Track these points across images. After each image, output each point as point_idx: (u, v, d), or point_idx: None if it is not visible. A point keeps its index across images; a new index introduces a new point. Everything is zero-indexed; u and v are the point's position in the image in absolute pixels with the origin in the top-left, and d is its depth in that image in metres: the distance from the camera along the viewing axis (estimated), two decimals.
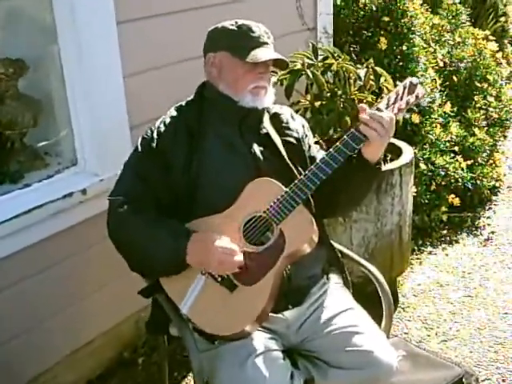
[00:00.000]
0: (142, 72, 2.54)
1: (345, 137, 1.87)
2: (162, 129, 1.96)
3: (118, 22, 2.39)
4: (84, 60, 2.34)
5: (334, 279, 2.10)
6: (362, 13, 3.81)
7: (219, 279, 1.82)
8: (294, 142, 2.07)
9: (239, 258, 1.79)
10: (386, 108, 1.89)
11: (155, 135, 1.95)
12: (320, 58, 2.94)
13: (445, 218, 3.90)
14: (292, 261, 1.87)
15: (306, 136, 2.14)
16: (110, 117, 2.47)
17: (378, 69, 2.95)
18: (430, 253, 3.68)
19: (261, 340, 1.85)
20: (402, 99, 1.92)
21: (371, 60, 3.01)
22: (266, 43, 1.96)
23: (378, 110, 1.87)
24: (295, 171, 1.98)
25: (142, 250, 1.85)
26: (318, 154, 2.15)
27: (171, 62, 2.66)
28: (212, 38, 2.00)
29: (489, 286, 3.35)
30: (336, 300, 2.01)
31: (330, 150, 1.87)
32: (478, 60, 4.57)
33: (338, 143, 1.87)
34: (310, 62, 2.89)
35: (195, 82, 2.69)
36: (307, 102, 2.95)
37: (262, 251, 1.84)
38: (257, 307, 1.80)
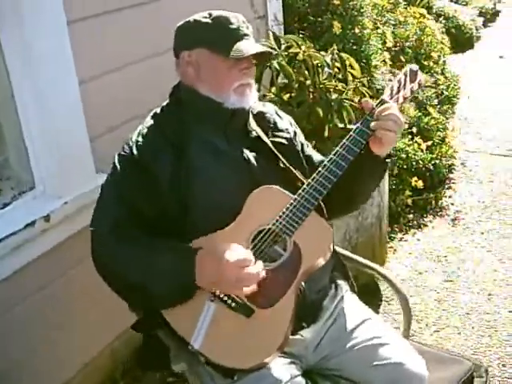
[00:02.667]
0: (99, 76, 2.27)
1: (352, 134, 1.71)
2: (141, 142, 1.71)
3: (68, 22, 2.10)
4: (33, 65, 2.05)
5: (343, 287, 1.93)
6: None
7: (232, 305, 1.60)
8: (286, 142, 1.87)
9: (259, 267, 1.55)
10: (391, 98, 1.76)
11: (134, 151, 1.70)
12: (283, 47, 2.76)
13: (409, 201, 3.82)
14: (309, 275, 1.68)
15: (296, 134, 1.95)
16: (67, 129, 2.18)
17: (344, 55, 2.80)
18: (401, 239, 3.59)
19: (282, 367, 1.65)
20: (405, 88, 1.79)
21: (335, 46, 2.85)
22: (247, 35, 1.74)
23: (383, 101, 1.73)
24: (296, 176, 1.79)
25: (143, 282, 1.59)
26: (312, 151, 1.97)
27: (129, 61, 2.39)
28: (184, 33, 1.76)
29: (467, 268, 3.29)
30: (352, 311, 1.83)
31: (337, 148, 1.70)
32: (422, 38, 4.51)
33: (345, 141, 1.71)
34: (274, 52, 2.69)
35: (158, 82, 2.46)
36: (273, 95, 2.76)
37: (277, 268, 1.64)
38: (280, 332, 1.60)
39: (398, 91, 1.78)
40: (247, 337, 1.60)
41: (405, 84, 1.79)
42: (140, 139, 1.72)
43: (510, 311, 2.92)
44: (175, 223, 1.66)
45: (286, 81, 2.74)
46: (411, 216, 3.82)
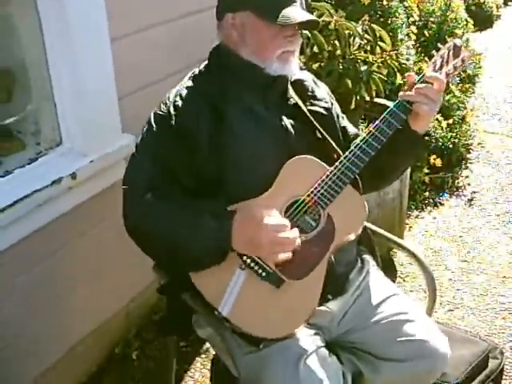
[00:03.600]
0: (131, 34, 2.22)
1: (392, 108, 1.68)
2: (180, 103, 1.68)
3: None
4: (66, 21, 2.00)
5: (369, 261, 1.91)
6: None
7: (263, 274, 1.59)
8: (324, 112, 1.84)
9: (295, 233, 1.54)
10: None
11: (172, 111, 1.67)
12: (314, 15, 2.70)
13: (427, 179, 3.79)
14: (339, 248, 1.67)
15: (333, 104, 1.91)
16: (96, 86, 2.13)
17: (376, 26, 2.74)
18: (417, 217, 3.57)
19: (308, 338, 1.65)
20: (448, 64, 1.75)
21: (367, 17, 2.79)
22: (294, 1, 1.70)
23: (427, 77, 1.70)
24: (333, 146, 1.76)
25: (177, 240, 1.56)
26: (348, 123, 1.94)
27: (161, 21, 2.34)
28: None
29: (482, 250, 3.27)
30: (378, 285, 1.83)
31: (377, 122, 1.68)
32: (447, 14, 4.43)
33: (385, 115, 1.69)
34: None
35: (189, 44, 2.43)
36: (302, 64, 2.71)
37: (309, 240, 1.62)
38: (309, 304, 1.60)
39: (441, 67, 1.75)
40: (276, 307, 1.59)
41: (448, 60, 1.76)
42: (178, 100, 1.68)
43: None
44: (210, 186, 1.64)
45: (315, 49, 2.69)
46: (427, 194, 3.79)
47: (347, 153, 1.66)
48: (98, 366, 2.49)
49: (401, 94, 1.70)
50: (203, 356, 2.55)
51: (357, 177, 1.68)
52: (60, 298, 2.23)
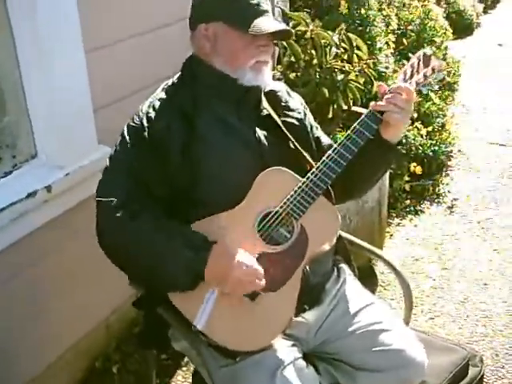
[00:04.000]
0: (106, 46, 2.21)
1: (363, 118, 1.69)
2: (152, 114, 1.67)
3: None
4: (39, 31, 1.99)
5: (345, 271, 1.91)
6: None
7: None
8: (296, 123, 1.84)
9: (262, 281, 1.55)
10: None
11: (145, 122, 1.66)
12: (290, 24, 2.72)
13: (407, 187, 3.81)
14: (313, 258, 1.66)
15: (306, 115, 1.91)
16: (71, 98, 2.12)
17: (352, 35, 2.76)
18: (398, 225, 3.59)
19: (284, 349, 1.63)
20: (418, 73, 1.76)
21: (343, 26, 2.80)
22: (266, 11, 1.70)
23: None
24: (305, 157, 1.76)
25: (150, 262, 1.57)
26: (321, 134, 1.94)
27: (135, 33, 2.34)
28: (202, 6, 1.71)
29: (463, 257, 3.29)
30: (355, 295, 1.82)
31: (349, 133, 1.68)
32: (426, 22, 4.46)
33: (356, 125, 1.69)
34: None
35: (165, 55, 2.43)
36: (279, 73, 2.72)
37: (283, 251, 1.62)
38: (284, 315, 1.59)
39: (412, 76, 1.76)
40: (251, 319, 1.58)
41: (418, 69, 1.77)
42: (151, 111, 1.68)
43: (504, 301, 2.92)
44: (183, 197, 1.64)
45: (292, 59, 2.70)
46: (408, 202, 3.80)
47: (319, 163, 1.66)
48: (78, 381, 2.46)
49: (372, 104, 1.71)
50: (184, 369, 2.53)
51: (329, 187, 1.68)
52: (38, 312, 2.20)
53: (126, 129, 1.69)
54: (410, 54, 4.36)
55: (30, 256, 2.11)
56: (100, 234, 1.63)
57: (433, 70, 1.77)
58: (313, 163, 1.73)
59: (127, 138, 1.67)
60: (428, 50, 1.80)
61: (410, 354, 1.70)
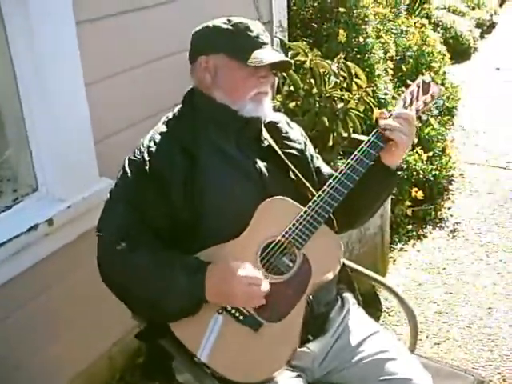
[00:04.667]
0: (105, 78, 2.23)
1: (363, 146, 1.70)
2: (154, 148, 1.68)
3: (76, 22, 2.06)
4: (40, 65, 2.01)
5: (349, 300, 1.90)
6: (315, 4, 3.62)
7: (240, 317, 1.57)
8: (297, 153, 1.85)
9: (266, 286, 1.55)
10: None
11: (146, 156, 1.67)
12: (289, 54, 2.74)
13: (409, 212, 3.80)
14: (318, 287, 1.66)
15: (306, 145, 1.93)
16: (71, 131, 2.14)
17: (350, 64, 2.78)
18: (400, 250, 3.57)
19: (290, 380, 1.62)
20: (418, 100, 1.78)
21: (341, 55, 2.83)
22: (266, 43, 1.72)
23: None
24: (308, 187, 1.77)
25: (149, 293, 1.57)
26: (322, 164, 1.95)
27: (135, 65, 2.36)
28: (203, 39, 1.74)
29: (467, 281, 3.27)
30: (359, 324, 1.81)
31: (349, 161, 1.69)
32: (423, 48, 4.50)
33: (357, 153, 1.69)
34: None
35: (164, 86, 2.45)
36: (278, 103, 2.74)
37: (286, 281, 1.61)
38: (289, 346, 1.57)
39: (411, 103, 1.77)
40: (255, 350, 1.57)
41: (418, 96, 1.78)
42: (152, 145, 1.69)
43: (510, 325, 2.90)
44: (185, 231, 1.64)
45: (291, 88, 2.72)
46: (410, 227, 3.80)
47: (320, 192, 1.66)
48: None
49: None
50: None
51: (331, 216, 1.68)
52: (39, 345, 2.19)
53: (127, 162, 1.70)
54: (408, 81, 4.41)
55: (32, 289, 2.11)
56: (100, 266, 1.64)
57: (432, 96, 1.78)
58: (314, 192, 1.73)
59: (128, 171, 1.68)
60: (427, 77, 1.81)
61: (417, 383, 1.68)
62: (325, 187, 1.67)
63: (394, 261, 3.45)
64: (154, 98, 2.38)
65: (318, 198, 1.66)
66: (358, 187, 1.68)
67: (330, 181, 1.67)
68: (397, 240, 3.64)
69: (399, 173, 1.77)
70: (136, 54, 2.36)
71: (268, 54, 1.69)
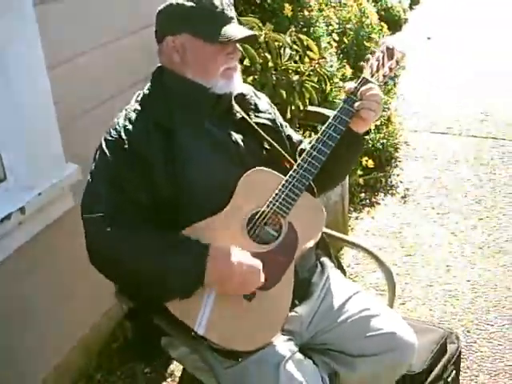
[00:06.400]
0: (68, 61, 2.19)
1: (337, 113, 1.75)
2: (130, 127, 1.68)
3: (34, 4, 2.01)
4: (0, 50, 1.97)
5: (328, 263, 1.96)
6: None
7: None
8: (269, 123, 1.88)
9: (262, 276, 1.59)
10: (371, 77, 1.80)
11: (124, 135, 1.67)
12: None
13: (361, 181, 3.91)
14: (303, 254, 1.71)
15: (275, 114, 1.96)
16: (35, 116, 2.10)
17: (303, 36, 2.83)
18: (356, 218, 3.67)
19: (283, 344, 1.67)
20: (384, 66, 1.83)
21: (293, 28, 2.87)
22: (232, 18, 1.74)
23: (364, 80, 1.77)
24: (284, 155, 1.81)
25: (149, 272, 1.57)
26: (291, 131, 1.99)
27: (95, 45, 2.33)
28: (168, 18, 1.73)
29: (423, 242, 3.40)
30: (340, 286, 1.87)
31: (324, 128, 1.74)
32: (363, 20, 4.60)
33: (331, 120, 1.74)
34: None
35: (127, 67, 2.44)
36: None
37: (274, 249, 1.66)
38: (282, 311, 1.62)
39: (378, 70, 1.82)
40: (250, 319, 1.61)
41: (383, 62, 1.83)
42: (128, 124, 1.68)
43: (467, 280, 3.05)
44: (169, 207, 1.65)
45: (247, 63, 2.74)
46: (363, 195, 3.91)
47: (300, 160, 1.70)
48: None
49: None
50: (169, 380, 2.52)
51: (311, 183, 1.73)
52: (15, 336, 2.16)
53: (104, 143, 1.69)
54: (353, 52, 4.51)
55: (9, 278, 2.07)
56: (90, 250, 1.62)
57: (397, 61, 1.84)
58: (291, 160, 1.78)
59: (107, 151, 1.67)
60: (389, 43, 1.87)
61: (401, 336, 1.76)
62: (304, 155, 1.71)
63: (352, 228, 3.55)
64: (120, 78, 2.36)
65: (298, 166, 1.70)
66: (332, 154, 1.73)
67: (308, 148, 1.72)
68: (352, 209, 3.74)
69: (366, 137, 1.84)
70: (95, 35, 2.32)
71: (235, 30, 1.70)
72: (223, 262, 1.56)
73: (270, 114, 1.91)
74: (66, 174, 2.21)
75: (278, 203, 1.67)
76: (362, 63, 1.86)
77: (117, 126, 1.69)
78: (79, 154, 2.22)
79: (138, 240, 1.58)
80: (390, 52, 1.85)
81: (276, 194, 1.67)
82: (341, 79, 4.04)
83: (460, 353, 2.31)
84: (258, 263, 1.59)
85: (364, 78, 1.78)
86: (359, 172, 3.88)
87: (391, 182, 4.09)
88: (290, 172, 1.70)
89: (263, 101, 1.95)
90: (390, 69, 1.83)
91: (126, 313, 1.81)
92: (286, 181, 1.69)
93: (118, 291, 1.82)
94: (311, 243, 1.72)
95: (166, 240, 1.59)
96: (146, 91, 1.79)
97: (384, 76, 1.82)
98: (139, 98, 1.78)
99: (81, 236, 1.62)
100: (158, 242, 1.59)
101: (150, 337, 1.80)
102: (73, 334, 2.47)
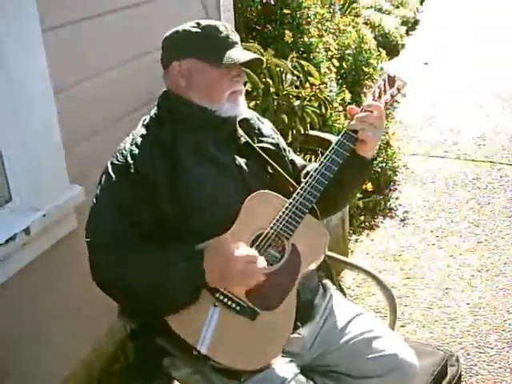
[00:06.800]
0: (74, 85, 2.24)
1: (340, 138, 1.79)
2: (136, 151, 1.72)
3: (43, 30, 2.06)
4: (7, 74, 2.00)
5: (330, 285, 1.99)
6: (258, 7, 3.71)
7: (237, 308, 1.63)
8: (272, 147, 1.92)
9: (262, 262, 1.62)
10: None
11: (130, 159, 1.70)
12: None
13: (360, 204, 3.94)
14: (305, 275, 1.73)
15: (278, 139, 2.00)
16: (42, 139, 2.13)
17: (304, 62, 2.88)
18: (356, 241, 3.70)
19: (285, 366, 1.69)
20: (385, 93, 1.88)
21: (294, 54, 2.92)
22: (236, 42, 1.80)
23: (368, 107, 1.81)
24: (286, 179, 1.85)
25: (150, 287, 1.60)
26: (295, 156, 2.03)
27: (102, 70, 2.38)
28: (174, 44, 1.79)
29: (422, 265, 3.43)
30: (342, 307, 1.90)
31: (327, 153, 1.78)
32: (362, 46, 4.67)
33: (334, 145, 1.79)
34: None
35: (132, 90, 2.48)
36: None
37: (278, 270, 1.68)
38: (284, 332, 1.65)
39: (380, 97, 1.87)
40: (253, 339, 1.63)
41: (385, 89, 1.88)
42: (134, 148, 1.72)
43: (467, 303, 3.07)
44: (173, 231, 1.68)
45: (249, 88, 2.79)
46: (363, 218, 3.94)
47: (303, 184, 1.74)
48: None
49: (346, 124, 1.81)
50: None
51: (314, 206, 1.76)
52: (22, 358, 2.17)
53: (110, 167, 1.72)
54: (352, 77, 4.57)
55: (15, 299, 2.09)
56: (94, 271, 1.65)
57: (398, 89, 1.89)
58: (294, 184, 1.81)
59: (113, 175, 1.70)
60: (391, 71, 1.92)
61: (402, 357, 1.78)
62: (307, 178, 1.75)
63: (352, 251, 3.57)
64: (124, 101, 2.40)
65: (301, 189, 1.73)
66: (336, 176, 1.77)
67: (312, 172, 1.75)
68: (351, 232, 3.76)
69: (374, 162, 1.87)
70: (103, 58, 2.38)
71: (239, 53, 1.76)
72: (220, 257, 1.59)
73: (273, 138, 1.95)
74: (71, 195, 2.24)
75: (281, 225, 1.70)
76: (364, 90, 1.91)
77: (123, 151, 1.73)
78: (83, 175, 2.26)
79: (138, 258, 1.61)
80: (391, 80, 1.90)
81: (280, 217, 1.70)
82: (340, 104, 4.09)
83: (460, 375, 2.32)
84: (254, 251, 1.63)
85: (366, 104, 1.82)
86: (359, 195, 3.91)
87: (390, 205, 4.12)
88: (294, 195, 1.73)
89: (266, 125, 1.99)
90: (392, 96, 1.88)
91: (128, 333, 1.82)
92: (290, 203, 1.72)
93: (120, 312, 1.84)
94: (314, 265, 1.75)
95: (164, 253, 1.62)
96: (153, 115, 1.83)
97: (386, 102, 1.86)
98: (146, 123, 1.82)
99: (84, 256, 1.65)
100: (158, 258, 1.61)
101: (152, 357, 1.82)
102: (75, 354, 2.47)
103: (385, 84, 1.88)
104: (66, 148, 2.23)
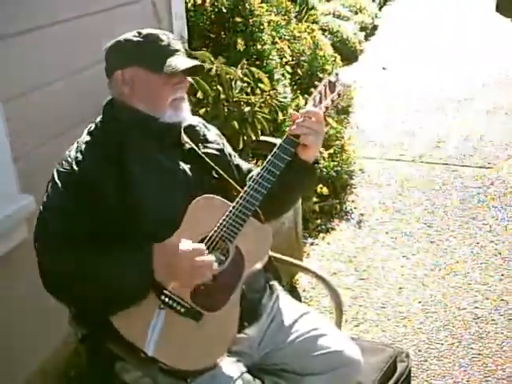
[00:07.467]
0: (22, 94, 2.25)
1: (281, 143, 1.84)
2: (81, 158, 1.74)
3: None
4: None
5: (276, 287, 2.03)
6: (211, 15, 3.75)
7: (182, 310, 1.66)
8: (217, 153, 1.97)
9: (210, 257, 1.66)
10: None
11: (75, 166, 1.72)
12: None
13: (316, 208, 4.01)
14: (250, 276, 1.78)
15: (224, 145, 2.05)
16: None
17: (254, 69, 2.93)
18: (312, 244, 3.76)
19: (231, 365, 1.73)
20: (326, 98, 1.93)
21: (245, 61, 2.98)
22: (178, 50, 1.83)
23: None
24: (231, 183, 1.89)
25: (102, 285, 1.63)
26: (240, 161, 2.08)
27: (53, 79, 2.40)
28: (116, 53, 1.82)
29: (376, 266, 3.50)
30: (289, 307, 1.94)
31: (269, 157, 1.83)
32: (316, 52, 4.75)
33: (275, 150, 1.83)
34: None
35: (80, 99, 2.50)
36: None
37: (222, 272, 1.72)
38: (229, 332, 1.68)
39: (320, 101, 1.92)
40: (198, 340, 1.66)
41: (325, 94, 1.93)
42: (79, 155, 1.74)
43: (419, 302, 3.15)
44: (120, 236, 1.70)
45: (200, 96, 2.83)
46: (319, 221, 4.01)
47: (246, 188, 1.78)
48: None
49: (288, 129, 1.86)
50: None
51: (257, 209, 1.81)
52: None
53: (56, 174, 1.74)
54: (307, 83, 4.64)
55: None
56: (45, 276, 1.67)
57: (338, 94, 1.95)
58: (238, 188, 1.85)
59: (59, 182, 1.72)
60: (332, 77, 1.97)
61: (348, 354, 1.83)
62: (250, 182, 1.79)
63: (308, 254, 3.63)
64: (73, 111, 2.42)
65: (244, 193, 1.77)
66: (279, 180, 1.82)
67: (254, 176, 1.80)
68: (307, 235, 3.82)
69: (316, 165, 1.93)
70: (51, 69, 2.39)
71: (180, 61, 1.79)
72: (167, 250, 1.63)
73: (218, 144, 1.99)
74: (21, 205, 2.24)
75: (225, 228, 1.74)
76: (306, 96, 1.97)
77: (68, 158, 1.75)
78: (34, 184, 2.26)
79: (86, 262, 1.64)
80: (332, 85, 1.95)
81: (223, 220, 1.74)
82: (294, 109, 4.15)
83: (410, 371, 2.38)
84: (202, 246, 1.66)
85: (307, 110, 1.87)
86: (314, 199, 3.99)
87: (346, 208, 4.20)
88: (237, 199, 1.77)
89: (212, 132, 2.03)
90: (332, 101, 1.93)
91: (79, 338, 1.84)
92: (233, 207, 1.76)
93: (71, 318, 1.85)
94: (258, 265, 1.79)
95: (113, 253, 1.65)
96: (98, 123, 1.86)
97: (326, 107, 1.91)
98: (90, 130, 1.84)
99: (36, 266, 1.66)
100: (105, 257, 1.64)
101: (104, 362, 1.83)
102: (30, 364, 2.47)
103: (325, 89, 1.93)
104: (15, 157, 2.24)
